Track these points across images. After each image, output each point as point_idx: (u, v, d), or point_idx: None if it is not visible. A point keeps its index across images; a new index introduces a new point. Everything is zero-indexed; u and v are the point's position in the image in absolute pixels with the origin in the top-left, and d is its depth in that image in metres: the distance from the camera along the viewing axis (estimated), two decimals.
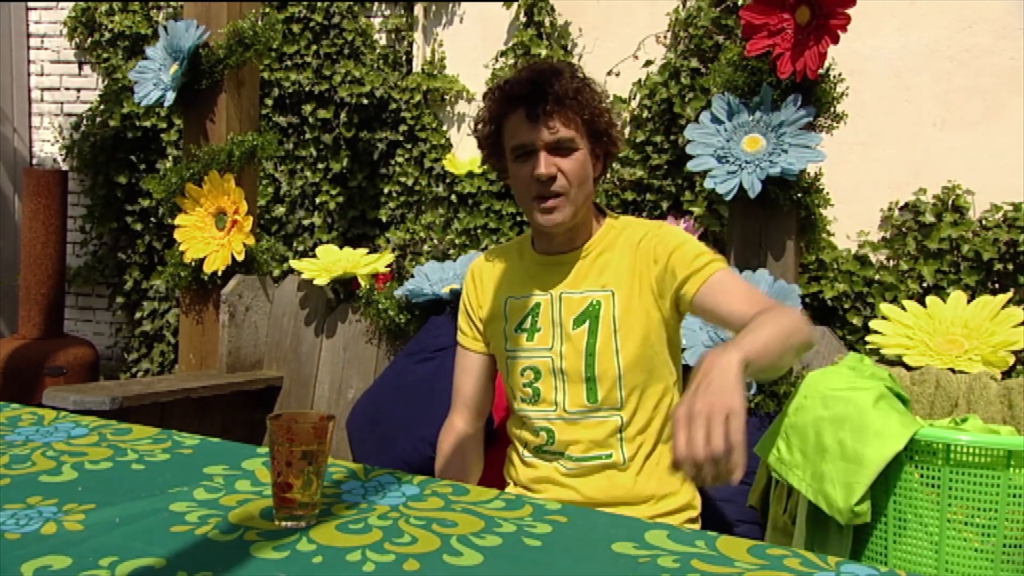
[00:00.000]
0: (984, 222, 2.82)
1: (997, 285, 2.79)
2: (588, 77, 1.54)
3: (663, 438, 1.51)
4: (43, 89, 4.53)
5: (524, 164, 1.49)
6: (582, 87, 1.50)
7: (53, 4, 4.47)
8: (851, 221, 2.99)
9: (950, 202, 2.86)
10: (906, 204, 2.93)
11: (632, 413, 1.49)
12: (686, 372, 1.53)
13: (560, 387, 1.51)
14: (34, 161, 4.56)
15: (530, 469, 1.56)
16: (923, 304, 2.00)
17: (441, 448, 1.68)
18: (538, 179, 1.46)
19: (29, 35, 4.54)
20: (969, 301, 1.95)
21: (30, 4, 4.51)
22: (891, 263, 2.93)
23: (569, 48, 3.39)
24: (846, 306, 2.88)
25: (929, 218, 2.86)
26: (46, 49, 4.51)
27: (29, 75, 4.54)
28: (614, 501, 1.48)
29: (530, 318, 1.55)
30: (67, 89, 4.49)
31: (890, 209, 2.96)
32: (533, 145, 1.47)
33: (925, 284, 2.83)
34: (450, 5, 3.63)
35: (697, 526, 1.54)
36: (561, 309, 1.52)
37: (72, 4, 4.28)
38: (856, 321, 2.84)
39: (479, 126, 1.58)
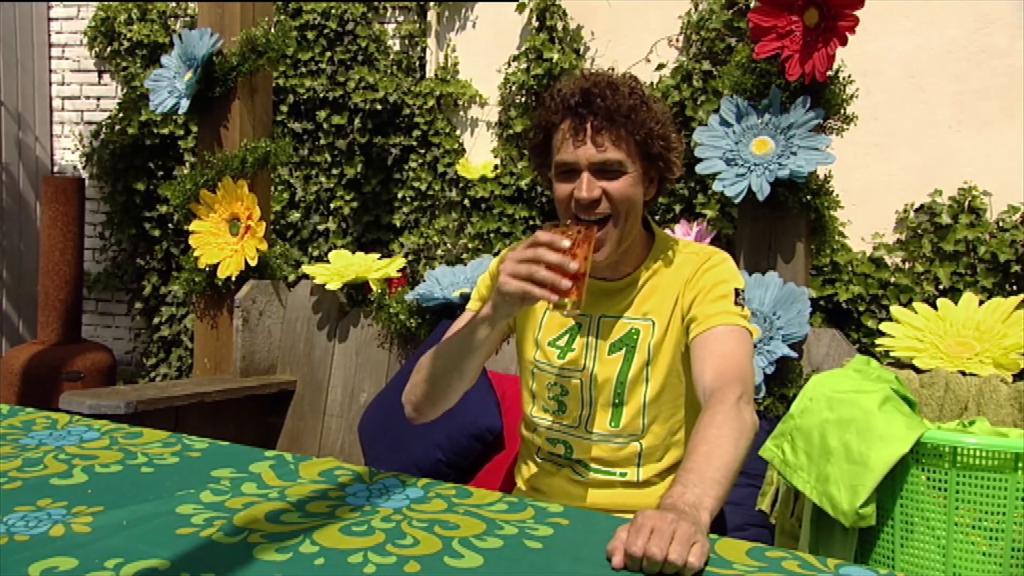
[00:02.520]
0: (1001, 223, 2.79)
1: (1015, 287, 2.76)
2: (651, 95, 1.42)
3: (677, 459, 1.48)
4: (64, 98, 4.60)
5: (566, 183, 1.39)
6: (639, 105, 1.38)
7: (74, 13, 4.54)
8: (866, 223, 2.97)
9: (966, 203, 2.83)
10: (921, 206, 2.90)
11: (652, 440, 1.46)
12: None
13: (586, 408, 1.47)
14: (55, 169, 4.63)
15: (541, 473, 1.54)
16: (935, 306, 1.98)
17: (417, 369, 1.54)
18: (578, 202, 1.37)
19: (51, 45, 4.61)
20: (984, 303, 1.94)
21: (51, 15, 4.58)
22: (906, 265, 2.91)
23: (581, 52, 3.40)
24: (861, 308, 2.86)
25: (945, 219, 2.84)
26: (67, 59, 4.58)
27: (51, 84, 4.61)
28: (623, 510, 1.47)
29: (566, 337, 1.49)
30: (87, 98, 4.55)
31: (905, 211, 2.93)
32: (576, 164, 1.37)
33: (941, 286, 2.81)
34: (463, 10, 3.64)
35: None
36: (599, 333, 1.46)
37: (92, 14, 4.34)
38: (871, 324, 2.82)
39: (529, 134, 1.48)
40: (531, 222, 3.41)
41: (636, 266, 1.47)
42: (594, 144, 1.36)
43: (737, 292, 1.39)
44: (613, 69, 1.46)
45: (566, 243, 1.26)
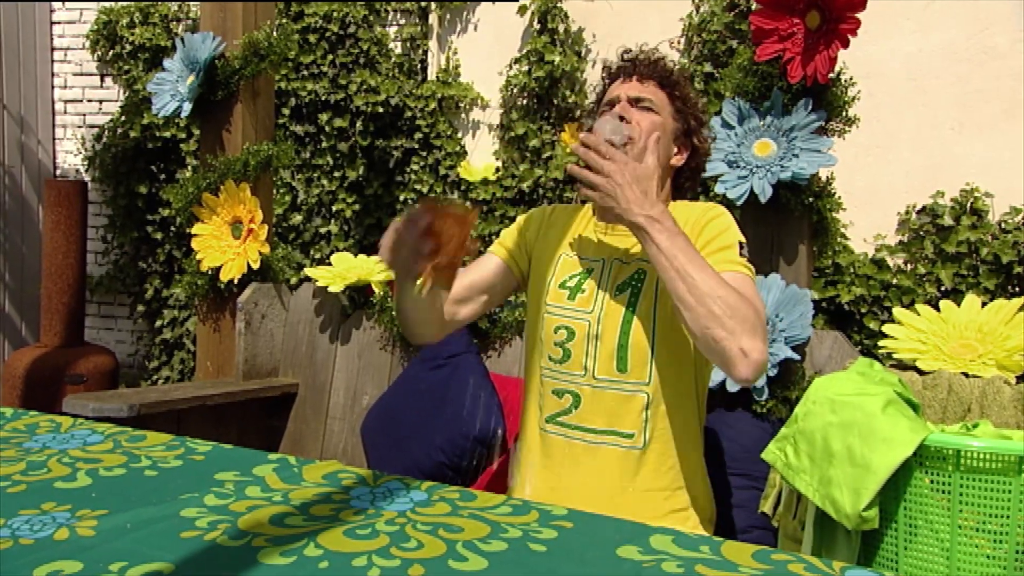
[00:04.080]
0: (1003, 225, 2.79)
1: (1017, 289, 2.76)
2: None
3: (681, 428, 1.49)
4: (66, 101, 4.61)
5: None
6: (681, 78, 1.59)
7: (77, 17, 4.55)
8: (868, 225, 2.97)
9: (968, 205, 2.84)
10: (923, 207, 2.90)
11: (658, 392, 1.46)
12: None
13: (592, 352, 1.48)
14: (57, 172, 4.63)
15: (544, 444, 1.53)
16: (938, 308, 1.98)
17: None
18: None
19: (53, 48, 4.62)
20: (987, 305, 1.93)
21: (54, 19, 4.59)
22: (909, 267, 2.91)
23: (583, 54, 3.40)
24: (863, 310, 2.86)
25: (947, 221, 2.84)
26: (69, 62, 4.59)
27: (53, 88, 4.62)
28: (624, 483, 1.46)
29: (578, 279, 1.54)
30: (89, 101, 4.56)
31: (907, 212, 2.94)
32: (616, 97, 1.55)
33: (943, 288, 2.81)
34: (464, 13, 3.65)
35: (711, 528, 1.54)
36: (609, 275, 1.52)
37: (94, 18, 4.35)
38: (873, 325, 2.82)
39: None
40: None
41: None
42: (638, 83, 1.57)
43: (741, 245, 1.48)
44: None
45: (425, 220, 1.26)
